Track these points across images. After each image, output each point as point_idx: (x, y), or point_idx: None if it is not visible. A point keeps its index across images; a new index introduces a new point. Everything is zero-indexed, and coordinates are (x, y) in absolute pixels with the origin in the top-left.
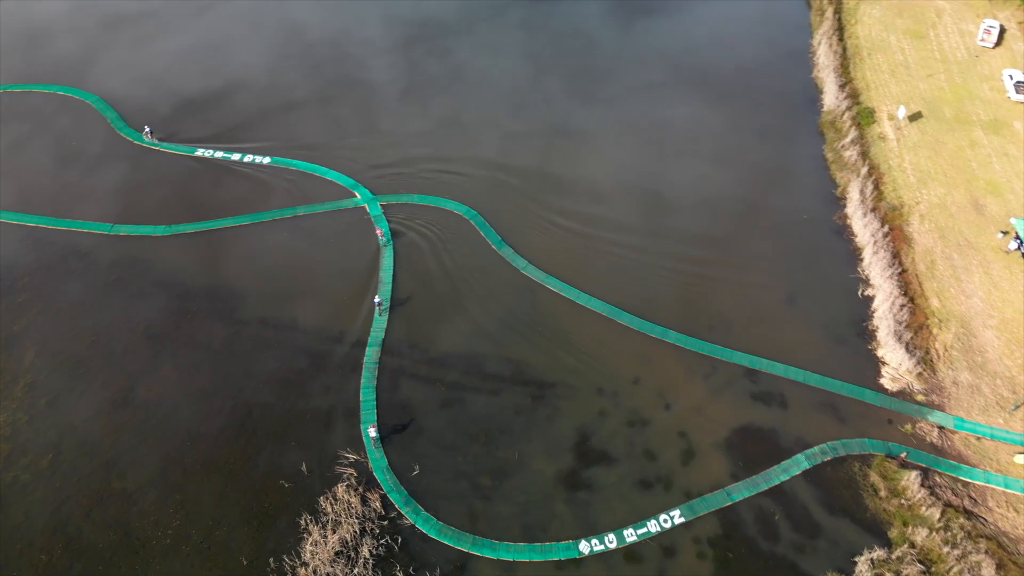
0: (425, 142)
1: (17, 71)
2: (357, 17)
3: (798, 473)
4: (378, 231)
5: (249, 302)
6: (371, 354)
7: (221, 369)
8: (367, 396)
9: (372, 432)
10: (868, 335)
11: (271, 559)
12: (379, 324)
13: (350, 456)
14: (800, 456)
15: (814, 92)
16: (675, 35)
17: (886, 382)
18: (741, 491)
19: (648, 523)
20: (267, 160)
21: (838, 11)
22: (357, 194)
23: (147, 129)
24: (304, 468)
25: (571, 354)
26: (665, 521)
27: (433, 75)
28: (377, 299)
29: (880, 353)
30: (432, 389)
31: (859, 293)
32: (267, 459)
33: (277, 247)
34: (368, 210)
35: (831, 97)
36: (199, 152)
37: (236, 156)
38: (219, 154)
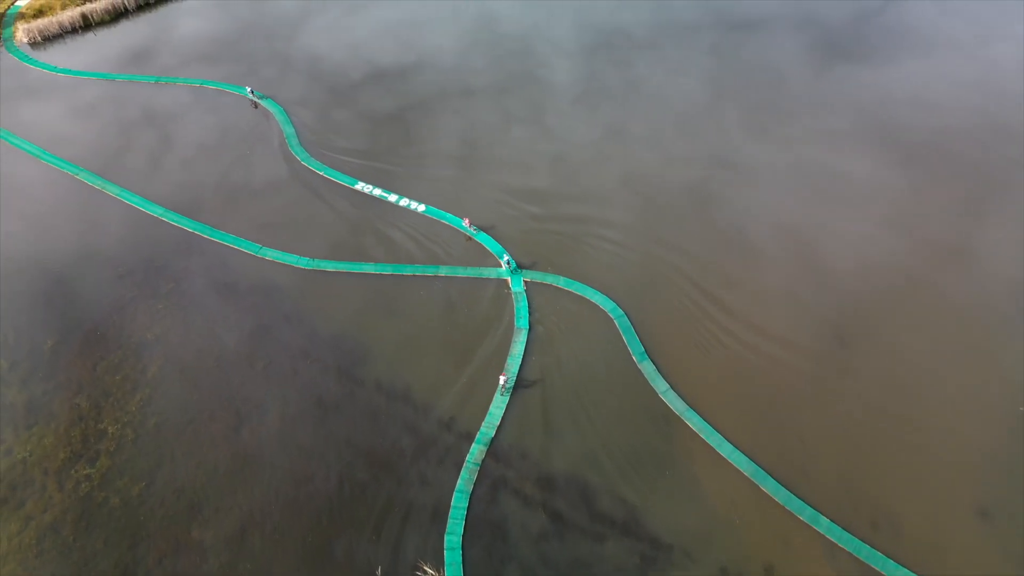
0: (585, 161)
1: (212, 60)
2: (550, 16)
3: None
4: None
5: (370, 360)
6: (475, 453)
7: (325, 429)
8: (458, 502)
9: (503, 379)
10: None
11: None
12: (491, 420)
13: (428, 571)
14: None
15: None
16: (872, 86)
17: None
18: None
19: None
20: (422, 208)
21: None
22: (503, 263)
23: (249, 90)
24: (379, 573)
25: (698, 513)
26: None
27: (608, 85)
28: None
29: None
30: (532, 513)
31: None
32: (344, 548)
33: (411, 305)
34: (511, 284)
35: None
36: (359, 186)
37: (393, 198)
38: (378, 191)
